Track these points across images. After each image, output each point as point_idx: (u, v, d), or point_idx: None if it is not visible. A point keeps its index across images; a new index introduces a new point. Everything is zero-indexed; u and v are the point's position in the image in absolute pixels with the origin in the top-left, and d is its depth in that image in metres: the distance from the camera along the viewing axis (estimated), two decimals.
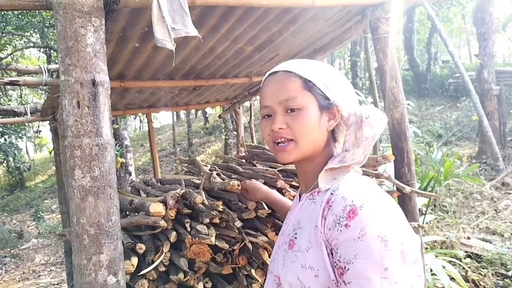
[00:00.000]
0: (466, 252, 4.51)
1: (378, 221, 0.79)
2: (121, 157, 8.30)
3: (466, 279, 3.72)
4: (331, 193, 0.89)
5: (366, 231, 0.78)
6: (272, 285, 1.00)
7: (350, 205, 0.82)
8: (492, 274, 4.08)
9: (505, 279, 4.01)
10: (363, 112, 0.94)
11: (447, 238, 4.79)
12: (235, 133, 10.40)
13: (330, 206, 0.86)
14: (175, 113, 19.98)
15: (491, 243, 4.90)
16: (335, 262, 0.82)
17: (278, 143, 0.95)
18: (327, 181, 0.93)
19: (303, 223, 0.95)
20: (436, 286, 3.28)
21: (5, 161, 14.19)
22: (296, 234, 0.95)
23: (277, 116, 0.95)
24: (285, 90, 0.94)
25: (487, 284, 3.87)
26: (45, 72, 2.74)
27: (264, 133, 0.99)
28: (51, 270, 7.16)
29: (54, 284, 6.26)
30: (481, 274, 4.04)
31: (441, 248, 4.60)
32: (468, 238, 5.05)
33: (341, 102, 0.96)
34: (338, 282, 0.82)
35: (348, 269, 0.79)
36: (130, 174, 9.20)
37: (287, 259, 0.93)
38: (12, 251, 8.58)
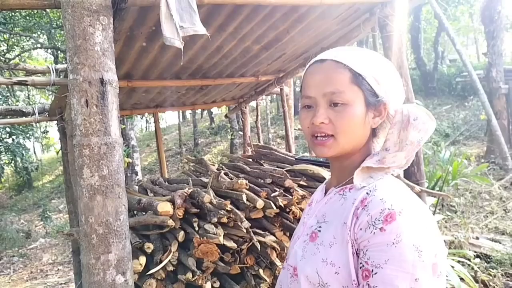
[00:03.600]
0: (475, 252, 4.45)
1: (415, 230, 0.77)
2: (127, 157, 8.33)
3: (475, 280, 3.68)
4: (367, 193, 0.84)
5: (401, 238, 0.75)
6: (285, 275, 0.97)
7: (388, 209, 0.78)
8: (502, 275, 4.03)
9: None
10: (411, 112, 0.89)
11: (455, 238, 4.74)
12: (240, 133, 10.41)
13: (366, 206, 0.82)
14: (181, 113, 20.04)
15: (500, 243, 4.84)
16: (361, 263, 0.79)
17: (317, 136, 0.90)
18: (363, 179, 0.88)
19: (330, 217, 0.91)
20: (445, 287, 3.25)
21: (13, 161, 14.31)
22: (320, 227, 0.92)
23: (319, 109, 0.88)
24: (332, 82, 0.87)
25: (496, 285, 3.82)
26: (53, 72, 2.75)
27: (304, 124, 0.93)
28: (58, 269, 7.20)
29: (61, 284, 6.29)
30: (490, 275, 3.99)
31: (450, 248, 4.55)
32: (477, 238, 4.99)
33: (389, 99, 0.90)
34: (359, 283, 0.79)
35: (375, 273, 0.76)
36: (136, 174, 9.24)
37: (308, 251, 0.90)
38: (20, 250, 8.65)
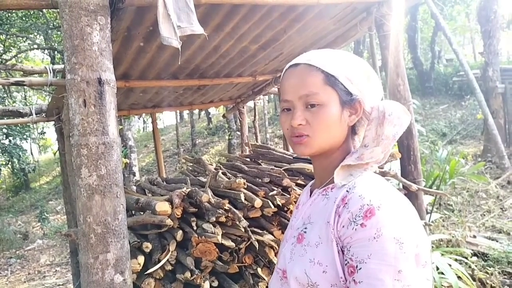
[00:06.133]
0: (472, 250, 4.46)
1: (395, 223, 0.79)
2: (125, 158, 8.32)
3: (472, 278, 3.69)
4: (347, 191, 0.87)
5: (382, 232, 0.77)
6: (276, 279, 0.99)
7: (367, 205, 0.80)
8: (499, 273, 4.03)
9: None
10: (386, 108, 0.91)
11: (453, 236, 4.75)
12: (238, 133, 10.41)
13: (346, 203, 0.84)
14: (178, 113, 20.02)
15: (497, 241, 4.86)
16: (346, 260, 0.81)
17: (296, 137, 0.93)
18: (343, 177, 0.91)
19: (314, 218, 0.93)
20: (443, 285, 3.25)
21: (10, 163, 14.27)
22: (306, 228, 0.93)
23: (297, 111, 0.92)
24: (306, 85, 0.91)
25: (494, 283, 3.83)
26: (51, 72, 2.75)
27: (283, 127, 0.97)
28: (56, 270, 7.18)
29: (59, 285, 6.27)
30: (487, 273, 4.00)
31: (447, 246, 4.56)
32: (474, 236, 5.00)
33: (364, 96, 0.93)
34: (346, 280, 0.81)
35: (360, 269, 0.78)
36: (134, 174, 9.23)
37: (295, 252, 0.92)
38: (17, 252, 8.62)
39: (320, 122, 0.90)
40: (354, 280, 0.78)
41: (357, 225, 0.79)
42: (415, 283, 0.77)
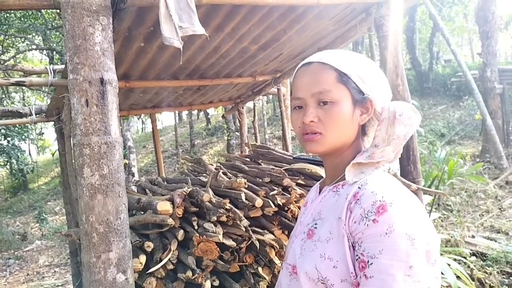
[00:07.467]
0: (471, 250, 4.48)
1: (407, 219, 0.79)
2: (124, 158, 8.33)
3: (471, 278, 3.71)
4: (359, 187, 0.88)
5: (394, 228, 0.78)
6: (285, 275, 1.00)
7: (380, 201, 0.81)
8: (498, 273, 4.06)
9: (511, 277, 4.00)
10: (397, 108, 0.92)
11: (451, 236, 4.78)
12: (237, 134, 10.42)
13: (358, 199, 0.85)
14: (177, 114, 20.02)
15: (496, 241, 4.88)
16: (357, 255, 0.82)
17: (308, 134, 0.94)
18: (354, 174, 0.92)
19: (325, 214, 0.94)
20: (442, 285, 3.27)
21: (8, 163, 14.23)
22: (316, 224, 0.95)
23: (309, 108, 0.93)
24: (319, 82, 0.92)
25: (492, 283, 3.85)
26: (51, 72, 2.75)
27: (295, 125, 0.97)
28: (55, 271, 7.17)
29: (58, 286, 6.26)
30: (486, 273, 4.02)
31: (446, 246, 4.58)
32: (473, 236, 5.03)
33: (375, 96, 0.94)
34: (357, 275, 0.82)
35: (371, 264, 0.78)
36: (133, 175, 9.24)
37: (306, 248, 0.93)
38: (16, 253, 8.61)
39: (332, 120, 0.91)
40: (365, 275, 0.79)
41: (369, 221, 0.80)
42: (426, 279, 0.78)
